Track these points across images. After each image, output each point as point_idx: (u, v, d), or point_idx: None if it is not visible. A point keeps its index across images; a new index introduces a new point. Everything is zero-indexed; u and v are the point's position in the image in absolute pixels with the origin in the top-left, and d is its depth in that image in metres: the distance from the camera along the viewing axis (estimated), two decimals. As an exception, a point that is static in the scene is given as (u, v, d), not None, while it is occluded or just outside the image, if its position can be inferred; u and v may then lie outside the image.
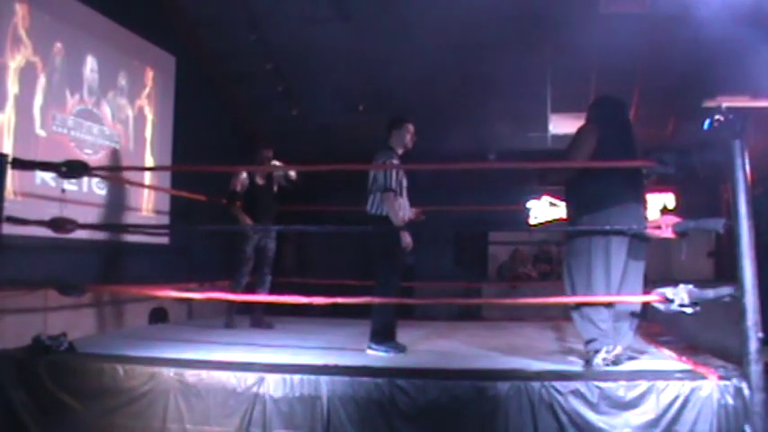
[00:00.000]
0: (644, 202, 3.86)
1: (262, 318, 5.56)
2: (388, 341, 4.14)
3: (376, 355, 4.04)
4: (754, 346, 2.90)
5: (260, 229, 5.49)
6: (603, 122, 3.84)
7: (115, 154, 5.80)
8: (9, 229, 3.83)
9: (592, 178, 3.69)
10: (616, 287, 3.60)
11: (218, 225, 6.22)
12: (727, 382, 3.01)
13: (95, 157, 5.51)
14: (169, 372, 3.36)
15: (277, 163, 5.69)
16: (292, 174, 5.52)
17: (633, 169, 3.73)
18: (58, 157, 4.29)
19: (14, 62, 4.70)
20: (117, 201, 5.72)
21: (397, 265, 4.29)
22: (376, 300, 4.04)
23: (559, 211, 8.51)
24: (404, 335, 4.73)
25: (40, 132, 4.95)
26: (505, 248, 9.33)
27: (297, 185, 5.64)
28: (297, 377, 3.24)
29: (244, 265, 5.45)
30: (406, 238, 4.26)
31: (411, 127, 4.45)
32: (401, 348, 4.14)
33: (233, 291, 5.36)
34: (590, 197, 3.69)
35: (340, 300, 3.89)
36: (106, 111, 5.77)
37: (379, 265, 4.27)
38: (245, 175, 5.48)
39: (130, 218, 5.91)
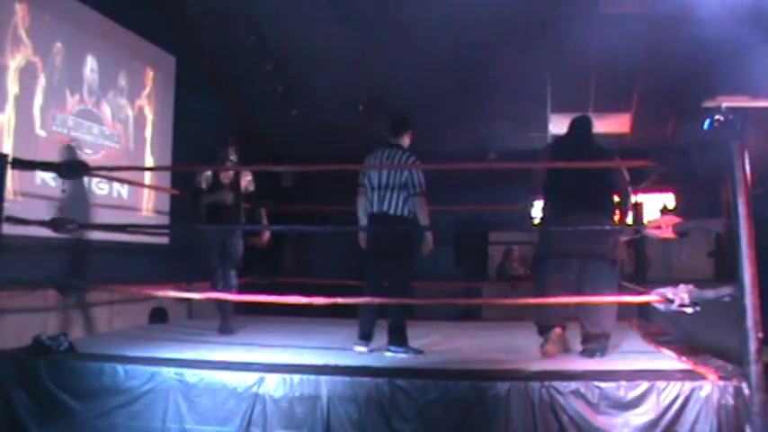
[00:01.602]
0: (606, 217, 3.96)
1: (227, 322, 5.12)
2: (407, 343, 4.07)
3: (395, 357, 3.96)
4: (754, 346, 2.90)
5: (223, 231, 5.11)
6: (558, 141, 4.25)
7: (115, 154, 5.80)
8: (9, 229, 3.83)
9: (545, 197, 4.06)
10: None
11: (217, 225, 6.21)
12: (728, 382, 3.01)
13: (95, 157, 5.51)
14: (169, 372, 3.36)
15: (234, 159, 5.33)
16: (250, 187, 5.30)
17: (592, 187, 3.83)
18: (58, 157, 4.29)
19: (14, 62, 4.70)
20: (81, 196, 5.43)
21: (414, 266, 4.24)
22: (395, 300, 4.01)
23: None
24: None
25: (40, 132, 4.95)
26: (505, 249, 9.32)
27: (253, 197, 5.39)
28: (297, 377, 3.23)
29: (213, 273, 5.11)
30: (431, 241, 4.22)
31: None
32: (418, 351, 4.06)
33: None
34: (544, 214, 4.12)
35: (340, 300, 3.89)
36: (106, 111, 5.77)
37: (401, 266, 4.15)
38: (209, 172, 5.18)
39: (130, 218, 5.92)
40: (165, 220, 6.54)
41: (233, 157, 5.27)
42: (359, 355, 4.04)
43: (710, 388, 3.01)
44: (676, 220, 3.37)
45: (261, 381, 3.24)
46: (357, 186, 4.36)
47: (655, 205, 9.14)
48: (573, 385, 3.08)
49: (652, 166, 3.62)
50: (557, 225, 3.90)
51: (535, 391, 3.07)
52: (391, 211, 4.14)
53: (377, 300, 4.08)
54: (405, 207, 4.15)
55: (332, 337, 4.79)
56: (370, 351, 4.13)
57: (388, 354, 4.02)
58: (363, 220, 4.36)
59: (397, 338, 4.05)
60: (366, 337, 4.15)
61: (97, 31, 5.62)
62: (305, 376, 3.24)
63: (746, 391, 2.93)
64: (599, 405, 3.05)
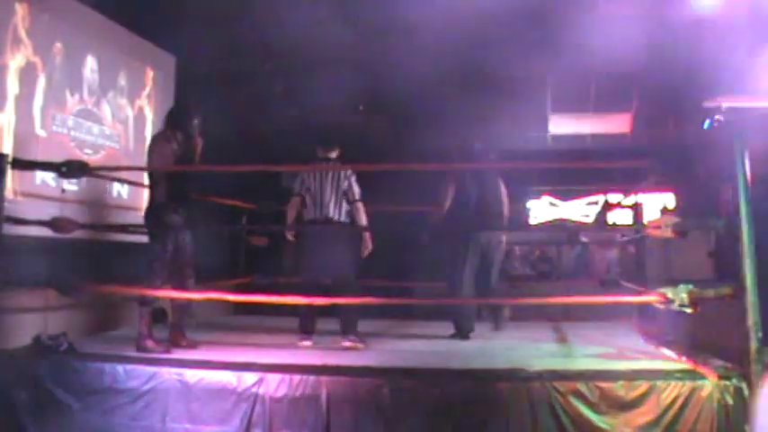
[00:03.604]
0: (500, 218, 5.03)
1: (182, 333, 4.34)
2: (357, 331, 4.37)
3: (354, 347, 4.21)
4: (754, 346, 2.90)
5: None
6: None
7: (115, 154, 5.79)
8: (9, 229, 3.83)
9: (451, 206, 5.00)
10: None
11: (218, 225, 6.21)
12: (728, 382, 3.01)
13: (95, 157, 5.51)
14: (169, 372, 3.36)
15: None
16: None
17: (490, 197, 5.00)
18: (57, 157, 4.29)
19: (14, 62, 4.70)
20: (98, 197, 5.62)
21: (358, 265, 4.73)
22: (363, 299, 4.19)
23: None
24: (404, 335, 4.73)
25: (40, 132, 4.95)
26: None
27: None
28: (297, 377, 3.24)
29: (161, 266, 4.25)
30: (370, 243, 4.63)
31: None
32: (363, 339, 4.37)
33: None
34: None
35: (340, 300, 3.90)
36: (106, 111, 5.77)
37: (354, 267, 4.63)
38: (175, 146, 4.37)
39: (130, 218, 5.90)
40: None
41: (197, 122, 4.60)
42: (305, 349, 4.29)
43: (710, 388, 3.01)
44: (676, 220, 3.37)
45: (261, 381, 3.25)
46: (292, 196, 4.76)
47: (655, 205, 9.15)
48: (573, 385, 3.08)
49: (651, 166, 3.62)
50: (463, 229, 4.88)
51: (535, 391, 3.07)
52: (335, 218, 4.59)
53: (375, 300, 4.10)
54: (345, 214, 4.64)
55: (332, 337, 4.79)
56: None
57: (347, 344, 4.22)
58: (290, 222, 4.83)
59: (352, 329, 4.33)
60: (312, 332, 4.49)
61: (97, 31, 5.62)
62: (305, 376, 3.24)
63: (746, 391, 2.93)
64: (599, 405, 3.05)
